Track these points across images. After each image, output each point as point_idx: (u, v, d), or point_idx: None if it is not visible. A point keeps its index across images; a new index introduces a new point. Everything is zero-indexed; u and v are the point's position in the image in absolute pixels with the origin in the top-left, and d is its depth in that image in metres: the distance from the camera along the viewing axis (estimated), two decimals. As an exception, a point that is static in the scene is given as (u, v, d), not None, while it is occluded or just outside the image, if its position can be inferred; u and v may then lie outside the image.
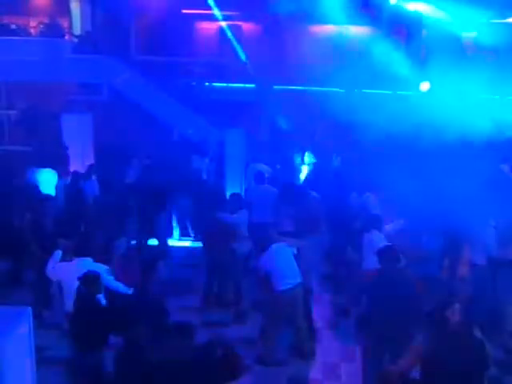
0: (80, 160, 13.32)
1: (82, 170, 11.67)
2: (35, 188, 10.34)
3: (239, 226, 9.01)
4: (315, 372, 7.38)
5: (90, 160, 12.90)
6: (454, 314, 5.16)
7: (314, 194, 9.89)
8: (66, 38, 17.15)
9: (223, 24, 17.25)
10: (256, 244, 9.08)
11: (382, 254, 6.64)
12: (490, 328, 7.67)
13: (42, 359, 6.06)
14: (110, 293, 6.50)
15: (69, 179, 11.13)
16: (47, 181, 11.09)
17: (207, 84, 16.81)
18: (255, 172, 11.16)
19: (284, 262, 7.30)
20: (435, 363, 5.05)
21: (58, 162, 12.15)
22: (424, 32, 16.19)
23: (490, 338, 7.61)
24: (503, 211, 8.06)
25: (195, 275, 9.66)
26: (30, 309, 4.42)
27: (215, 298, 9.04)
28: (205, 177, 12.71)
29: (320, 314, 8.57)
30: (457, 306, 5.18)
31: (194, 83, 16.88)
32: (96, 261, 6.91)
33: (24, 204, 9.34)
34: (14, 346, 4.19)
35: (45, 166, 11.41)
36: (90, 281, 6.08)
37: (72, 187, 10.77)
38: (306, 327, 7.55)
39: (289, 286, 7.23)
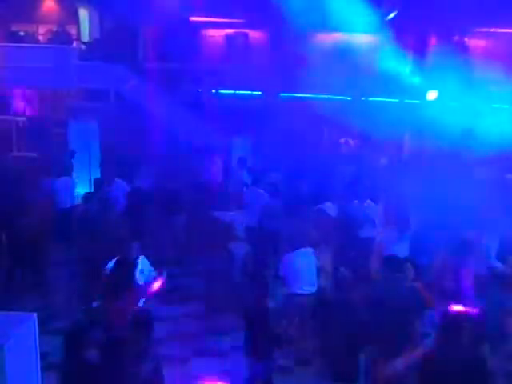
0: (87, 167, 13.38)
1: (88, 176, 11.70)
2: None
3: (235, 224, 8.96)
4: (319, 380, 7.35)
5: (97, 166, 12.93)
6: (465, 330, 5.10)
7: (328, 204, 9.78)
8: (75, 45, 17.23)
9: (230, 31, 17.32)
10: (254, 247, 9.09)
11: (385, 261, 6.65)
12: (495, 339, 7.63)
13: (47, 365, 6.06)
14: None
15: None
16: (65, 189, 11.11)
17: (214, 91, 16.85)
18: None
19: (305, 267, 7.36)
20: (437, 371, 5.03)
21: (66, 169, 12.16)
22: (432, 40, 16.19)
23: (496, 350, 7.59)
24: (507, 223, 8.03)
25: (197, 282, 9.59)
26: (35, 314, 4.42)
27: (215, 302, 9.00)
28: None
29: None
30: (467, 323, 5.12)
31: (200, 90, 16.92)
32: None
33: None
34: (19, 351, 4.19)
35: (54, 173, 11.43)
36: None
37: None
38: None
39: (302, 292, 7.31)
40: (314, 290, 7.39)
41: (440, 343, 5.20)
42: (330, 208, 9.64)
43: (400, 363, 5.52)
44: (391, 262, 6.56)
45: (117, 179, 11.12)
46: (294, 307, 7.37)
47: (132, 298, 6.63)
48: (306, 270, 7.36)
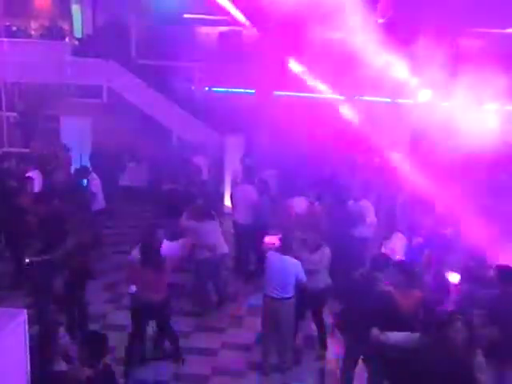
0: (78, 163, 13.31)
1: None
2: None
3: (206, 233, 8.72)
4: (311, 378, 7.35)
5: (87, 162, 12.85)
6: (456, 331, 5.05)
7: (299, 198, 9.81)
8: (67, 40, 17.15)
9: (224, 29, 17.29)
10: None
11: (372, 259, 6.65)
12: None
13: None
14: None
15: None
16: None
17: (207, 88, 16.82)
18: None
19: (277, 272, 7.13)
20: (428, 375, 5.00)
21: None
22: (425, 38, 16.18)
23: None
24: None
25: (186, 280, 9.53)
26: (25, 311, 4.42)
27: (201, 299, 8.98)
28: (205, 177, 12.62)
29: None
30: (459, 324, 5.05)
31: (193, 87, 16.90)
32: None
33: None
34: (7, 346, 4.18)
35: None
36: None
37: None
38: (289, 336, 7.42)
39: (270, 295, 7.15)
40: (286, 295, 7.14)
41: (427, 343, 5.17)
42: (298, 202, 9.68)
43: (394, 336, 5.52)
44: (374, 261, 6.53)
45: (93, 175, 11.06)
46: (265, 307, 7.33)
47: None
48: (276, 274, 7.13)
